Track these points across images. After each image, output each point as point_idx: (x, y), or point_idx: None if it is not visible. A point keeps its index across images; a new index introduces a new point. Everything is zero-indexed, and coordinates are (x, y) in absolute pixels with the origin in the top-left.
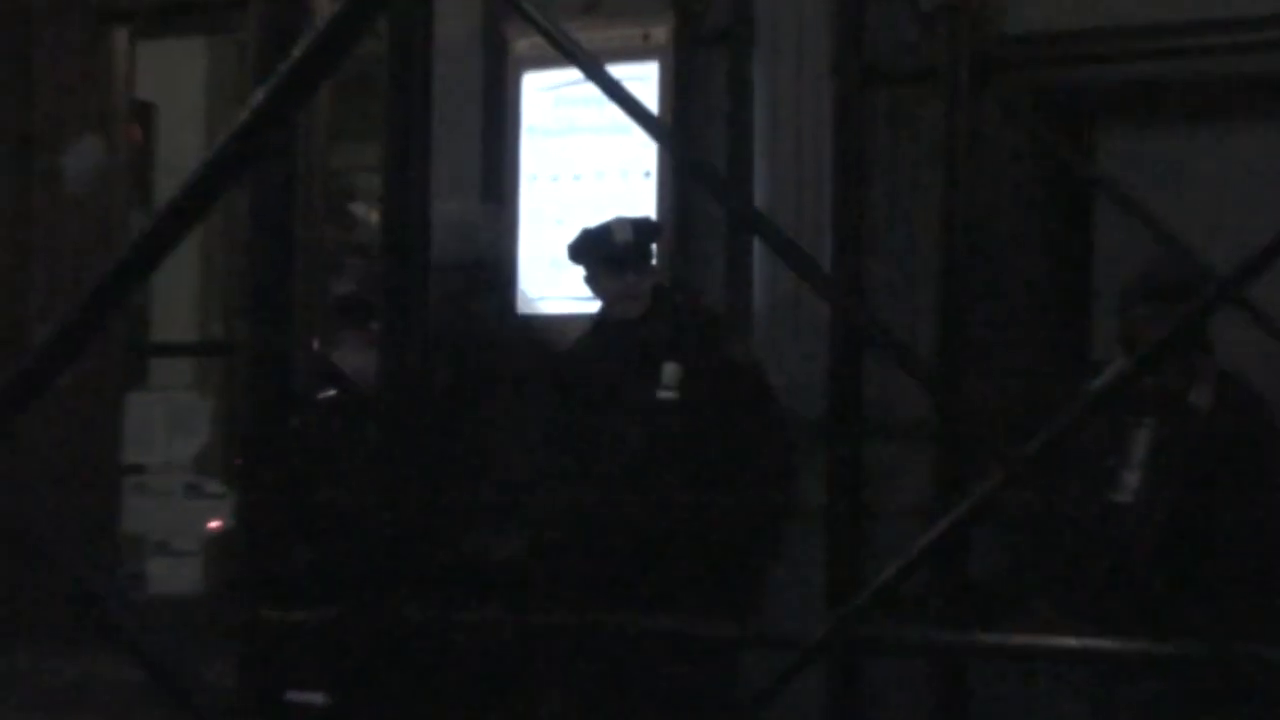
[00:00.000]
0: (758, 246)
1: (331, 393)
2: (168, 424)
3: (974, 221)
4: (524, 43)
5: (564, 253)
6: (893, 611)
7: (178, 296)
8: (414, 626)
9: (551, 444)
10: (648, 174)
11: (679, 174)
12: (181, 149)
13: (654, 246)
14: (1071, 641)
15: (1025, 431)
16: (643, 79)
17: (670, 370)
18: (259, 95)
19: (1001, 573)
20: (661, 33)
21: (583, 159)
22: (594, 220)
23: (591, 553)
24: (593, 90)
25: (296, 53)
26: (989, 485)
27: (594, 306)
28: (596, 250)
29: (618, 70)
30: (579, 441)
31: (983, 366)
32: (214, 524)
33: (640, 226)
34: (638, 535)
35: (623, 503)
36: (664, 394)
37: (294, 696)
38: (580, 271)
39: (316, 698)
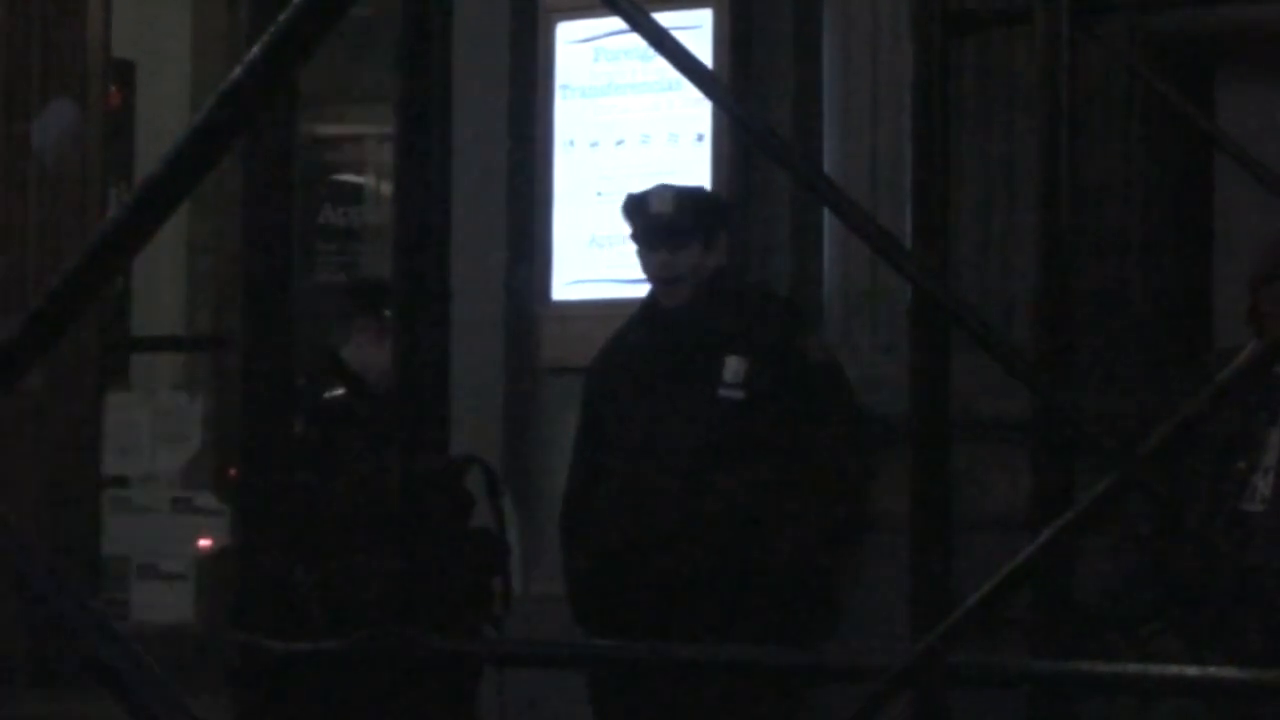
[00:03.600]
0: (828, 222)
1: (340, 392)
2: (152, 429)
3: (1077, 189)
4: None
5: (601, 231)
6: (987, 637)
7: (162, 284)
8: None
9: (586, 449)
10: (701, 138)
11: (737, 138)
12: (165, 114)
13: (711, 223)
14: (1193, 671)
15: (1139, 430)
16: (695, 27)
17: (734, 365)
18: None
19: (1113, 593)
20: None
21: (626, 122)
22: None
23: (643, 572)
24: (637, 42)
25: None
26: (1098, 491)
27: (635, 291)
28: (633, 220)
29: (665, 18)
30: (623, 444)
31: (1089, 355)
32: (205, 543)
33: (685, 197)
34: (696, 550)
35: (678, 514)
36: (726, 392)
37: None
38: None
39: None
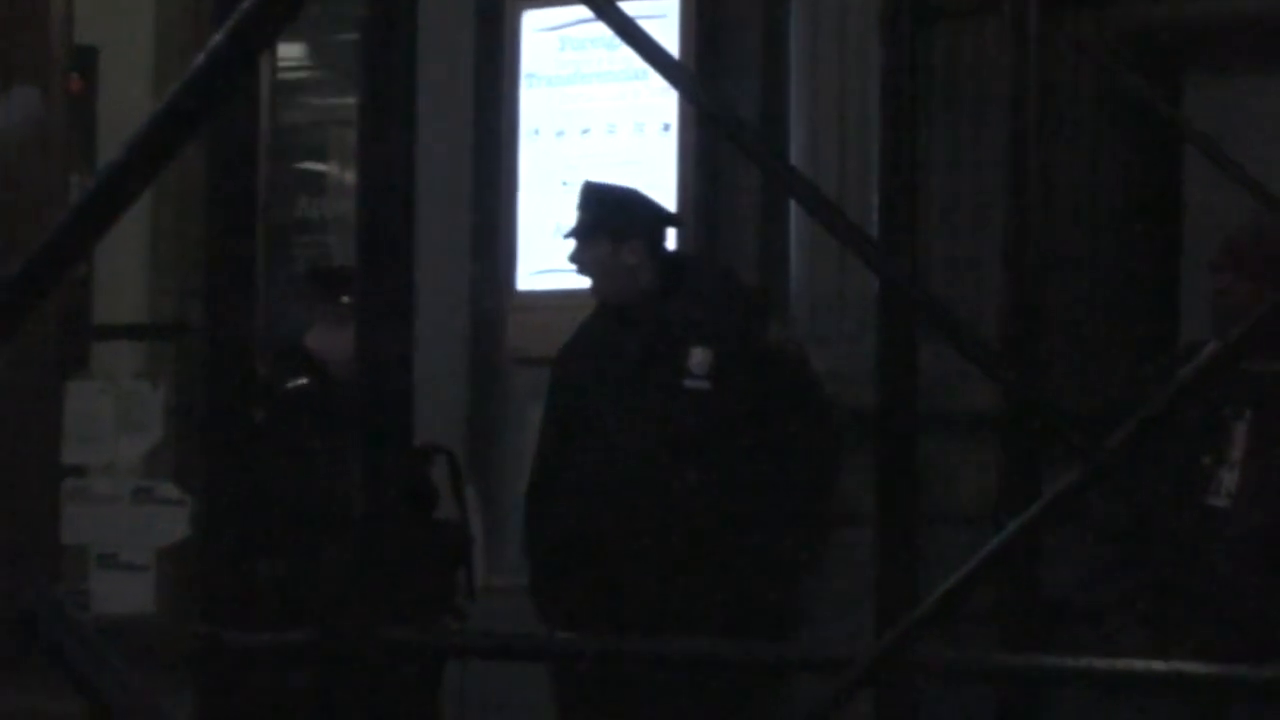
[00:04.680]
0: (795, 212)
1: (303, 381)
2: (113, 418)
3: (1046, 182)
4: None
5: (566, 220)
6: (953, 631)
7: (124, 271)
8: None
9: (550, 440)
10: (667, 128)
11: (704, 128)
12: (128, 100)
13: (621, 224)
14: (1160, 666)
15: (1106, 424)
16: (661, 16)
17: (699, 355)
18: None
19: (1080, 587)
20: None
21: (592, 111)
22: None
23: (606, 565)
24: (603, 30)
25: None
26: (1064, 485)
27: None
28: None
29: (632, 7)
30: (587, 436)
31: (1056, 348)
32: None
33: (595, 194)
34: (660, 544)
35: (643, 506)
36: (692, 383)
37: None
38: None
39: None
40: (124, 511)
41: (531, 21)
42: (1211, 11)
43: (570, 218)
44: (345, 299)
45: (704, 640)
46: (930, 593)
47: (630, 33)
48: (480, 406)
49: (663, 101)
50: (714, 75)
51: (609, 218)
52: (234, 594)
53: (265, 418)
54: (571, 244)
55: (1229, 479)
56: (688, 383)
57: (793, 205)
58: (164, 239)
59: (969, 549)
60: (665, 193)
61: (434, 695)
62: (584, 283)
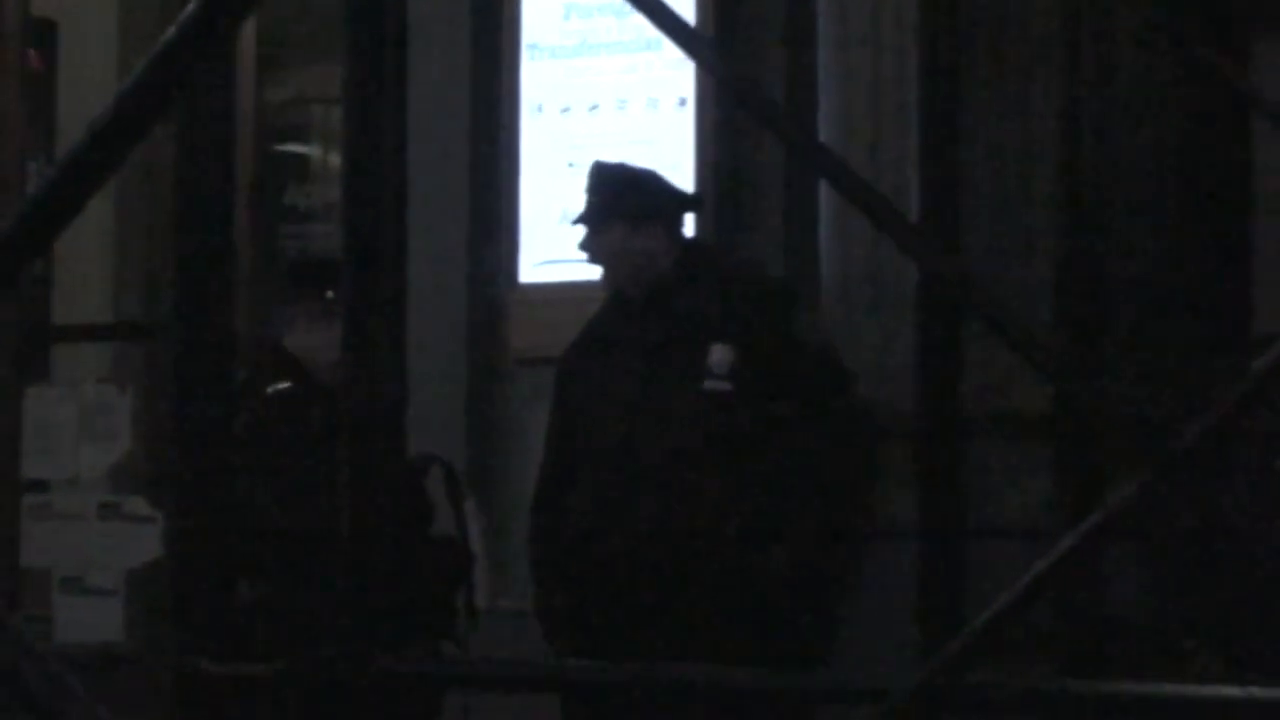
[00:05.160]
0: (825, 193)
1: (284, 385)
2: (76, 427)
3: (1102, 157)
4: None
5: (572, 205)
6: (1004, 656)
7: (87, 266)
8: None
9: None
10: (683, 103)
11: (724, 103)
12: (91, 78)
13: (637, 205)
14: (1235, 691)
15: (1173, 425)
16: None
17: (719, 354)
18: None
19: (1144, 606)
20: None
21: (600, 85)
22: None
23: (620, 585)
24: None
25: None
26: (1126, 493)
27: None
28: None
29: None
30: (598, 443)
31: (1116, 342)
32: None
33: (605, 174)
34: (679, 561)
35: (659, 520)
36: (712, 384)
37: None
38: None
39: None
40: (89, 530)
41: None
42: None
43: (579, 201)
44: (330, 294)
45: (727, 668)
46: (979, 613)
47: None
48: (480, 411)
49: (678, 74)
50: (734, 43)
51: (622, 200)
52: (212, 620)
53: (244, 426)
54: (581, 230)
55: None
56: (707, 383)
57: (822, 186)
58: (131, 230)
59: (1021, 564)
60: (682, 174)
61: None
62: (594, 273)
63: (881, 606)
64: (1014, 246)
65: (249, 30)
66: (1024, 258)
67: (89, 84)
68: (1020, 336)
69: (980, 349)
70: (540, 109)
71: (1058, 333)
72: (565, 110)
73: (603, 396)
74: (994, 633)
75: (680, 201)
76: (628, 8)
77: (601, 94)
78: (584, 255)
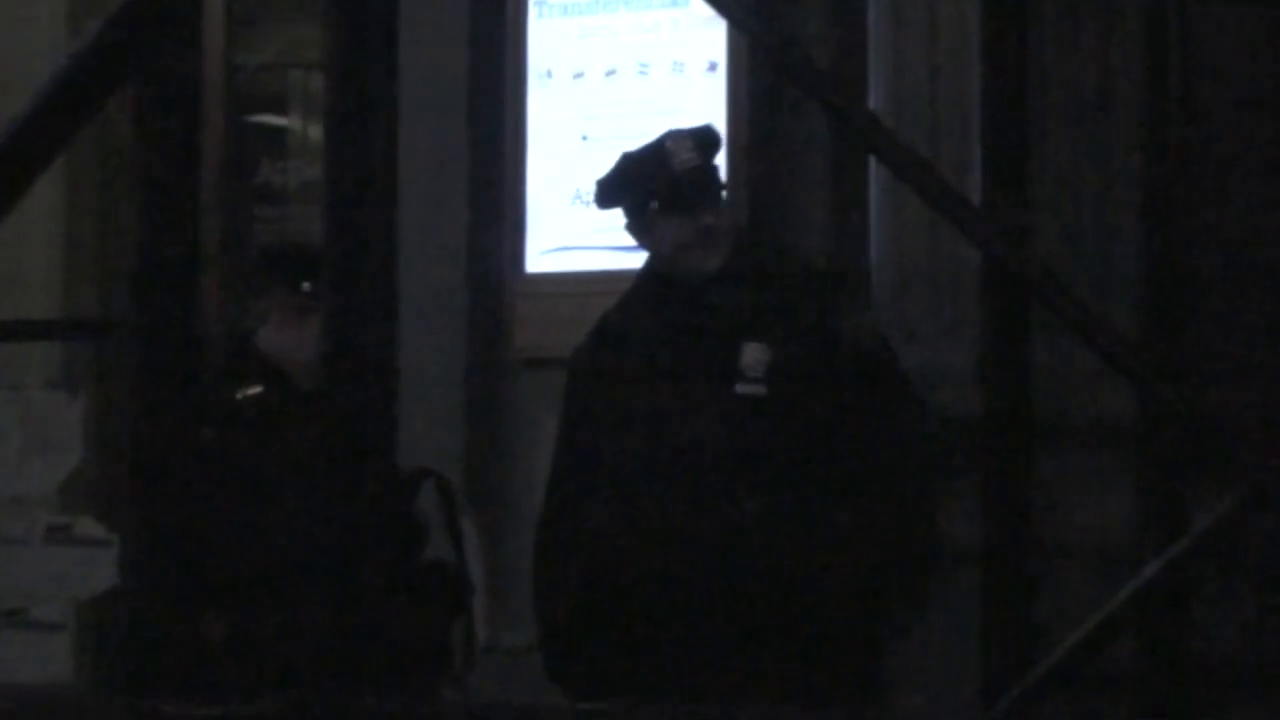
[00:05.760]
0: (875, 171)
1: (256, 390)
2: (21, 437)
3: (1190, 124)
4: None
5: (587, 185)
6: (1078, 695)
7: (32, 256)
8: None
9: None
10: (713, 68)
11: (759, 67)
12: (35, 42)
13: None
14: None
15: (1270, 434)
16: None
17: (753, 353)
18: None
19: (1240, 635)
20: None
21: (618, 47)
22: (636, 138)
23: (638, 617)
24: None
25: None
26: (1220, 512)
27: (629, 260)
28: (647, 183)
29: None
30: (617, 454)
31: (1208, 339)
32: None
33: (701, 139)
34: (708, 589)
35: (686, 543)
36: (746, 388)
37: None
38: (616, 216)
39: None
40: (35, 555)
41: None
42: None
43: (595, 179)
44: (308, 285)
45: (765, 709)
46: (1050, 647)
47: None
48: (480, 420)
49: (708, 35)
50: (773, 1)
51: (717, 166)
52: (172, 657)
53: (211, 436)
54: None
55: None
56: (740, 387)
57: (872, 163)
58: (82, 215)
59: (1099, 592)
60: None
61: None
62: (610, 262)
63: (937, 636)
64: (1091, 231)
65: None
66: (1102, 244)
67: (34, 48)
68: (1100, 333)
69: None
70: (549, 75)
71: (1143, 329)
72: (578, 76)
73: (621, 402)
74: (1067, 669)
75: None
76: None
77: (620, 58)
78: (681, 242)
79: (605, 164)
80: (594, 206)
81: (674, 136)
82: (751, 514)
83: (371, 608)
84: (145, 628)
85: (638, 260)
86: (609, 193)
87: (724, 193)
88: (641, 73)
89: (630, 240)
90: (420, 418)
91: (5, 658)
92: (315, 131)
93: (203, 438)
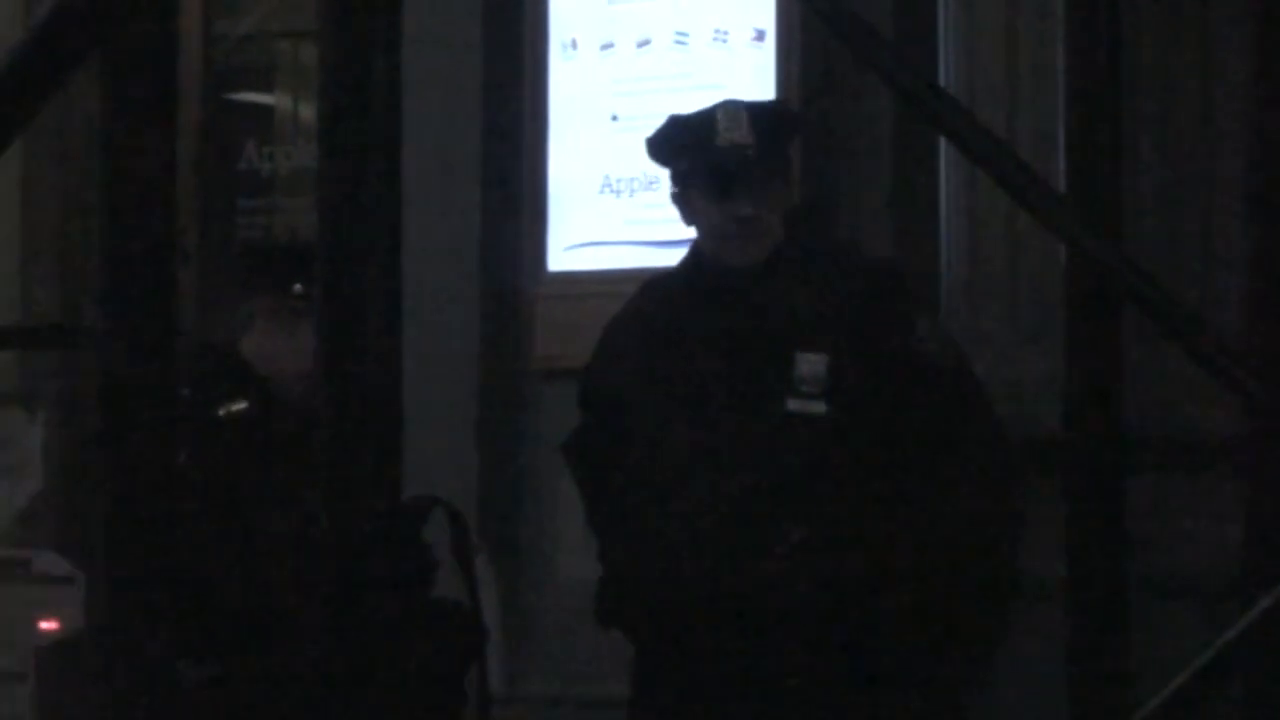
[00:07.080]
0: (946, 155)
1: (240, 405)
2: None
3: None
4: None
5: (617, 170)
6: None
7: None
8: None
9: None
10: (760, 36)
11: (813, 36)
12: None
13: (787, 149)
14: None
15: None
16: None
17: (809, 363)
18: None
19: None
20: None
21: (651, 14)
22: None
23: (687, 659)
24: None
25: None
26: None
27: (666, 257)
28: (687, 154)
29: None
30: (650, 480)
31: None
32: (48, 624)
33: (762, 116)
34: (754, 627)
35: (727, 578)
36: (799, 405)
37: None
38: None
39: None
40: None
41: None
42: None
43: (626, 164)
44: (299, 287)
45: None
46: (1149, 694)
47: None
48: (495, 440)
49: (752, 3)
50: None
51: (783, 145)
52: (146, 709)
53: (188, 457)
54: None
55: None
56: (793, 403)
57: (943, 145)
58: (40, 211)
59: (1204, 629)
60: None
61: None
62: (641, 259)
63: (1025, 679)
64: (1192, 230)
65: None
66: (1204, 245)
67: None
68: (1202, 340)
69: (1148, 357)
70: (573, 46)
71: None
72: (607, 47)
73: (653, 418)
74: (1175, 713)
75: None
76: None
77: (654, 26)
78: (721, 229)
79: (636, 148)
80: (621, 189)
81: (728, 109)
82: (800, 543)
83: (373, 654)
84: (112, 676)
85: (675, 257)
86: (653, 154)
87: (782, 185)
88: (679, 43)
89: (669, 234)
90: (427, 440)
91: None
92: (307, 111)
93: (179, 460)
